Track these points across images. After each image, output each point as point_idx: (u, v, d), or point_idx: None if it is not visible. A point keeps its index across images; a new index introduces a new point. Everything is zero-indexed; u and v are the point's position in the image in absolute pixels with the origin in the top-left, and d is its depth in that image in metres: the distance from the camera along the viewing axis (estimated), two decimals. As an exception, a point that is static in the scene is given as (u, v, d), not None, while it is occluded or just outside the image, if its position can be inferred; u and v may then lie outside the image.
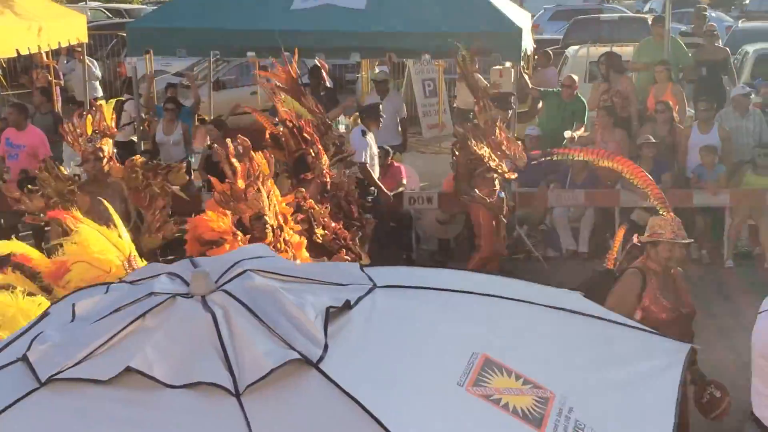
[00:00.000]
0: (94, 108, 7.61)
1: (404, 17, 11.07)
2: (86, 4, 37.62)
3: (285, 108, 7.74)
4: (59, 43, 13.42)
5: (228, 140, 5.79)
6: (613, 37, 17.01)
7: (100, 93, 17.30)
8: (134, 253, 4.13)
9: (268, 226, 5.41)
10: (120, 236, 4.22)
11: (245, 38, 11.33)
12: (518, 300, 2.53)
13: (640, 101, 11.56)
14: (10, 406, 2.22)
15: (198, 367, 2.24)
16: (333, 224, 6.26)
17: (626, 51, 13.98)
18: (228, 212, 5.31)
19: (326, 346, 2.27)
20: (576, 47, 16.49)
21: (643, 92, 11.89)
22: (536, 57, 14.78)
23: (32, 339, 2.43)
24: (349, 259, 6.01)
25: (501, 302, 2.54)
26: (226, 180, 5.41)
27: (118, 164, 7.34)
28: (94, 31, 17.13)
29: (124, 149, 11.50)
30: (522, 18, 12.07)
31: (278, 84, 8.42)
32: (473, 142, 8.52)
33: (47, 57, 15.17)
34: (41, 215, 6.73)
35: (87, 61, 15.55)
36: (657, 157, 9.96)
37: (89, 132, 7.15)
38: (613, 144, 10.24)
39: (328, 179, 6.77)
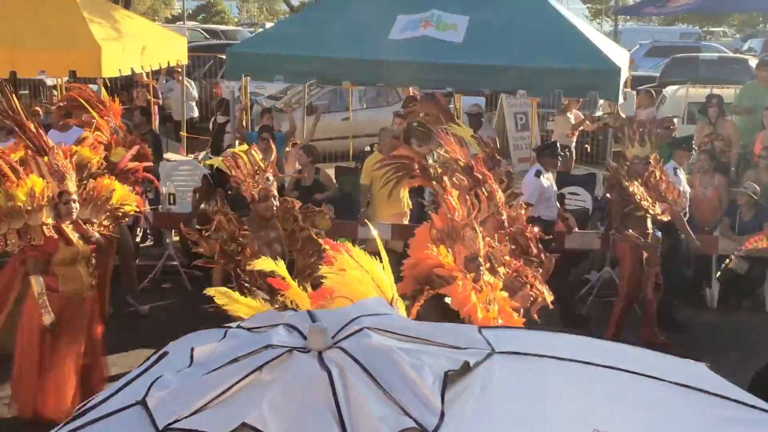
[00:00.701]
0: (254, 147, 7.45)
1: (500, 52, 11.03)
2: (184, 24, 38.63)
3: (450, 141, 7.71)
4: (160, 64, 13.76)
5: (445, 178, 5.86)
6: (712, 77, 16.72)
7: (196, 113, 17.67)
8: (396, 296, 3.92)
9: (481, 267, 5.36)
10: (382, 278, 3.94)
11: (342, 66, 11.45)
12: (643, 375, 2.45)
13: (740, 146, 11.32)
14: (127, 453, 2.24)
15: (312, 427, 2.22)
16: (514, 262, 6.10)
17: (726, 93, 13.70)
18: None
19: (443, 414, 2.23)
20: (674, 87, 16.23)
21: (743, 137, 11.64)
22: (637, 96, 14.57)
23: (151, 382, 2.44)
24: (533, 297, 5.92)
25: (624, 377, 2.47)
26: (447, 216, 5.35)
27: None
28: (193, 53, 17.50)
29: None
30: (620, 56, 11.91)
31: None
32: (626, 180, 8.40)
33: (147, 76, 15.56)
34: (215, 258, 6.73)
35: (185, 82, 15.90)
36: (758, 204, 9.71)
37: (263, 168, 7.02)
38: (712, 189, 10.02)
39: (504, 216, 6.48)
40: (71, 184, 6.90)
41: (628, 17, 38.57)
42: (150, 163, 9.27)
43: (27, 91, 21.43)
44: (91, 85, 15.95)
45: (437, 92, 11.48)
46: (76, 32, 11.80)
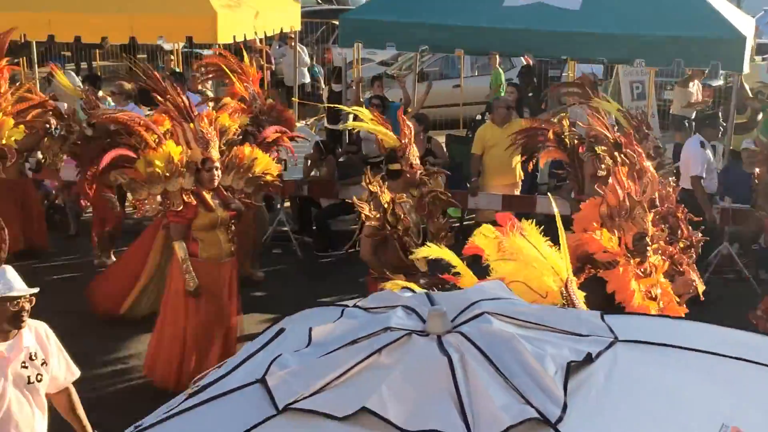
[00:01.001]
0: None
1: (619, 19, 10.71)
2: (297, -12, 38.77)
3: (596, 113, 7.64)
4: (273, 30, 13.88)
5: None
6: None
7: (307, 79, 17.77)
8: (571, 277, 3.85)
9: (649, 247, 5.22)
10: (556, 259, 3.88)
11: (454, 34, 11.31)
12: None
13: None
14: (249, 430, 2.26)
15: (433, 413, 2.19)
16: (669, 248, 5.76)
17: None
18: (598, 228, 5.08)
19: (565, 405, 2.17)
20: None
21: None
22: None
23: (271, 361, 2.46)
24: (694, 282, 5.68)
25: (754, 369, 2.37)
26: (618, 195, 5.17)
27: None
28: (305, 18, 17.56)
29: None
30: (745, 24, 11.40)
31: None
32: None
33: (260, 42, 15.73)
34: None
35: (298, 47, 16.00)
36: None
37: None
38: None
39: (656, 195, 6.08)
40: (214, 152, 6.92)
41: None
42: (293, 133, 9.35)
43: (145, 55, 22.00)
44: (205, 51, 16.31)
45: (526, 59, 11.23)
46: (193, -1, 12.00)
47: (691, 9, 10.70)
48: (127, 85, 10.83)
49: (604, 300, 4.69)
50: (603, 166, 7.18)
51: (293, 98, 14.74)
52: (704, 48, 10.22)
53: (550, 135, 8.28)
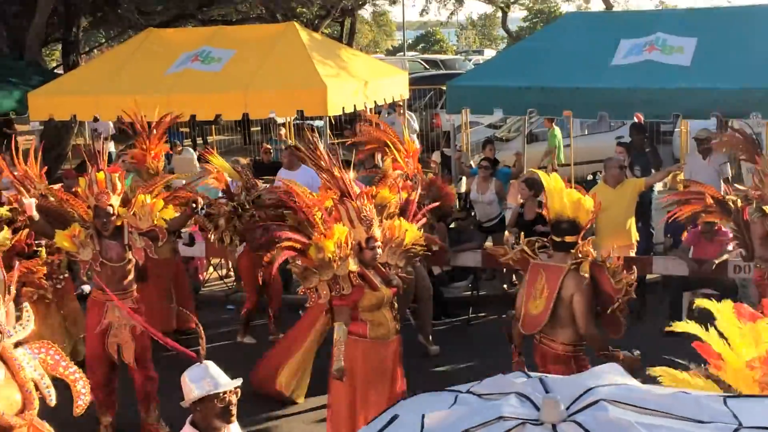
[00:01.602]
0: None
1: (732, 74, 10.51)
2: (404, 55, 39.54)
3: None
4: (384, 99, 14.12)
5: None
6: None
7: (417, 145, 17.89)
8: None
9: None
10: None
11: (562, 96, 11.27)
12: None
13: None
14: None
15: (550, 505, 2.15)
16: None
17: None
18: None
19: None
20: None
21: None
22: None
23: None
24: None
25: None
26: None
27: None
28: (413, 86, 17.83)
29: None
30: None
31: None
32: None
33: (370, 111, 16.00)
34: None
35: (407, 115, 16.22)
36: None
37: None
38: None
39: None
40: (377, 230, 6.82)
41: None
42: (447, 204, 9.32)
43: (258, 128, 22.68)
44: (316, 122, 16.69)
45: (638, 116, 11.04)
46: (303, 74, 12.30)
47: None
48: (243, 160, 11.14)
49: None
50: None
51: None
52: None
53: (708, 200, 8.00)
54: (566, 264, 6.51)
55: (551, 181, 6.73)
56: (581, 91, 11.07)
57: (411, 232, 7.21)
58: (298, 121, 17.59)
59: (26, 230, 8.03)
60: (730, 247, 9.47)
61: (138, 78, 12.87)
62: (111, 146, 17.18)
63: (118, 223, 7.55)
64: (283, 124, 17.28)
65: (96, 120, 13.47)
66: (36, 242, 8.29)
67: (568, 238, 6.57)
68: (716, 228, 9.42)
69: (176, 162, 15.36)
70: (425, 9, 23.63)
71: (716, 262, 9.27)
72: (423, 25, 47.92)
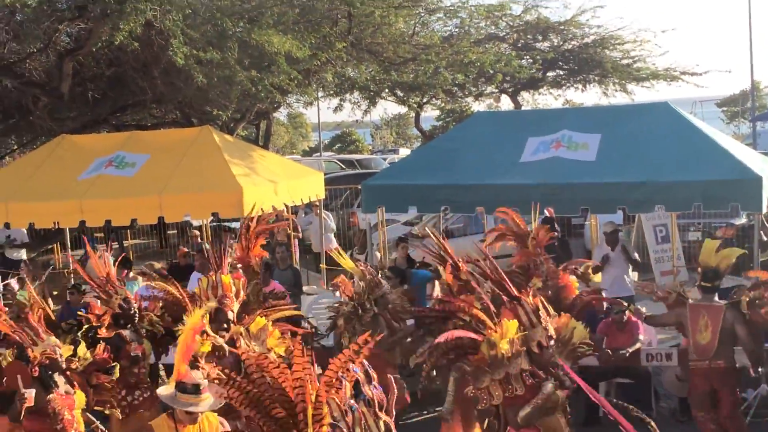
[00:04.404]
0: None
1: (636, 168, 10.88)
2: (320, 155, 39.97)
3: None
4: (302, 199, 14.22)
5: None
6: None
7: (334, 244, 17.97)
8: None
9: None
10: None
11: (475, 192, 11.52)
12: None
13: None
14: None
15: None
16: None
17: None
18: None
19: None
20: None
21: None
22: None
23: None
24: None
25: None
26: None
27: None
28: (329, 186, 18.01)
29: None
30: (760, 163, 11.54)
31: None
32: None
33: (287, 211, 16.07)
34: None
35: (323, 214, 16.33)
36: None
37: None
38: None
39: None
40: (551, 327, 6.43)
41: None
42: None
43: (174, 231, 22.49)
44: (233, 223, 16.64)
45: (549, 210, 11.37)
46: (218, 176, 12.30)
47: (706, 154, 10.85)
48: (157, 265, 11.04)
49: None
50: None
51: (321, 264, 14.92)
52: (722, 190, 10.30)
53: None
54: None
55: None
56: (492, 188, 11.31)
57: (579, 330, 6.89)
58: (214, 224, 17.53)
59: (103, 344, 7.40)
60: (642, 337, 9.69)
61: (51, 184, 12.73)
62: (23, 254, 16.77)
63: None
64: (199, 227, 17.17)
65: (7, 227, 13.23)
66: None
67: None
68: (627, 318, 9.62)
69: (89, 268, 15.04)
70: (339, 107, 23.94)
71: (629, 350, 9.44)
72: (338, 125, 48.56)
